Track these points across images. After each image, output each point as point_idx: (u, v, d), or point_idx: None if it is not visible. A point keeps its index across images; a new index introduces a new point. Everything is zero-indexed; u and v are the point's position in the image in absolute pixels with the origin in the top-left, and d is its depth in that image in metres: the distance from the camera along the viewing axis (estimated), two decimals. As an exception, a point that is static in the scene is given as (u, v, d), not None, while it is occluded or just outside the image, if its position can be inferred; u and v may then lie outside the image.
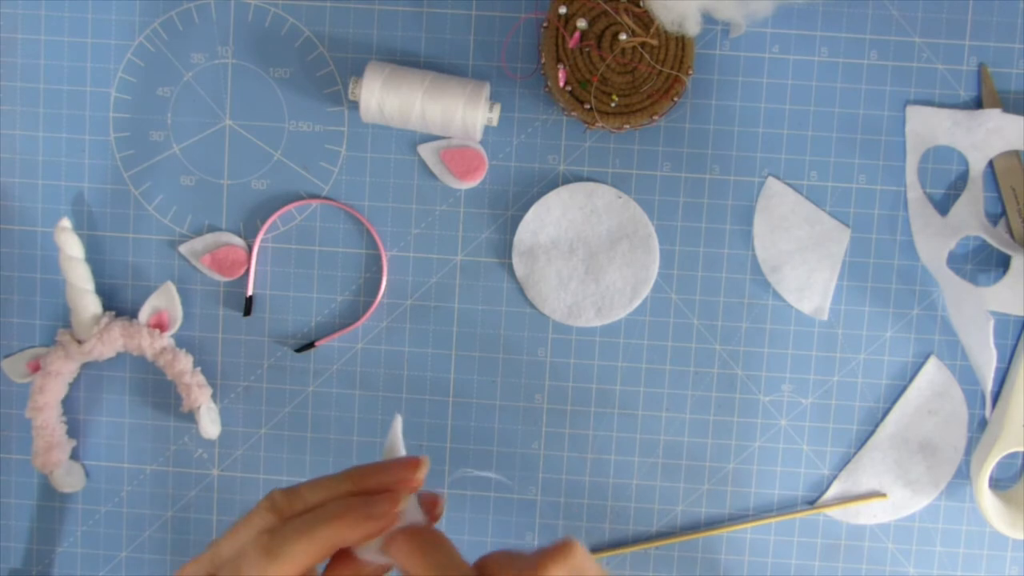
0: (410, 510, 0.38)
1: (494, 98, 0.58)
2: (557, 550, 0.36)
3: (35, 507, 0.61)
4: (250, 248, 0.59)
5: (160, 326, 0.59)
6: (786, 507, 0.60)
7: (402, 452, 0.41)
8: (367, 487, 0.38)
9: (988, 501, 0.57)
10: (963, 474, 0.59)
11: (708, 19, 0.56)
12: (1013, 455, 0.59)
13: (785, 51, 0.58)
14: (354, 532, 0.37)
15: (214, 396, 0.60)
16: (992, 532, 0.59)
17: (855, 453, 0.59)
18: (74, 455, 0.60)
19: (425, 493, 0.40)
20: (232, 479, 0.60)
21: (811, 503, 0.60)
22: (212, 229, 0.59)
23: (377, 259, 0.59)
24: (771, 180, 0.58)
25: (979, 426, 0.59)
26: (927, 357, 0.59)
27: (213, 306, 0.60)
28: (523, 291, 0.59)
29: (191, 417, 0.60)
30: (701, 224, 0.59)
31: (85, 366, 0.60)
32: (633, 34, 0.55)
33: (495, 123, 0.56)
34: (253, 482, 0.60)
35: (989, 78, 0.57)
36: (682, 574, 0.60)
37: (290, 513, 0.38)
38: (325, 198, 0.59)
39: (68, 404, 0.60)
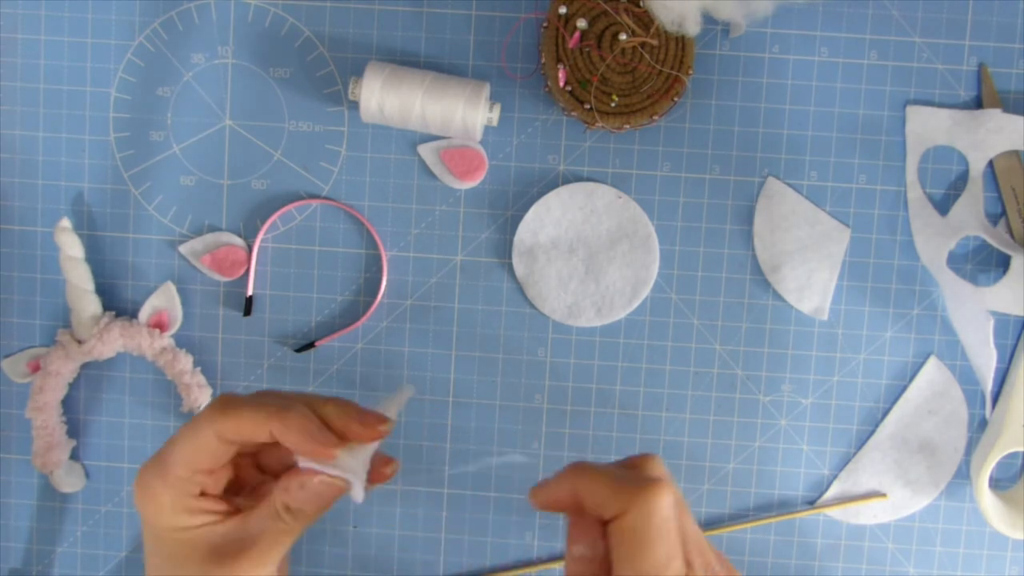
0: (356, 455, 0.41)
1: (494, 98, 0.58)
2: (644, 458, 0.40)
3: (35, 507, 0.61)
4: (250, 248, 0.59)
5: (160, 326, 0.59)
6: (786, 507, 0.60)
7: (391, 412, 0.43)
8: (329, 418, 0.41)
9: (988, 501, 0.57)
10: (963, 474, 0.59)
11: (708, 19, 0.56)
12: (1013, 455, 0.59)
13: (785, 51, 0.58)
14: (296, 443, 0.40)
15: (214, 396, 0.60)
16: (992, 532, 0.59)
17: (855, 453, 0.59)
18: (74, 455, 0.60)
19: (383, 455, 0.42)
20: (232, 479, 0.60)
21: (811, 503, 0.60)
22: (212, 229, 0.59)
23: (377, 259, 0.59)
24: (771, 180, 0.58)
25: (979, 426, 0.59)
26: (927, 357, 0.59)
27: (213, 306, 0.60)
28: (523, 291, 0.59)
29: (191, 417, 0.60)
30: (701, 224, 0.59)
31: (85, 366, 0.60)
32: (633, 34, 0.55)
33: (495, 123, 0.56)
34: (253, 482, 0.60)
35: (989, 78, 0.57)
36: (682, 574, 0.60)
37: None
38: (325, 198, 0.59)
39: (68, 404, 0.60)
